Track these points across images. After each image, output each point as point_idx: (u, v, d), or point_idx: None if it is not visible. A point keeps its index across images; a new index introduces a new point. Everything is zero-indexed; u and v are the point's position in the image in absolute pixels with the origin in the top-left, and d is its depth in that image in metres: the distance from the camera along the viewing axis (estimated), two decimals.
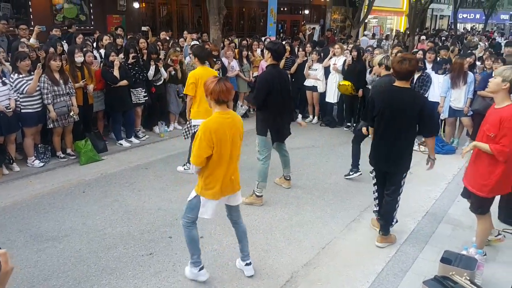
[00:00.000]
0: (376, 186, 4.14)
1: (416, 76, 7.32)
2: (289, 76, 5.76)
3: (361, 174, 5.61)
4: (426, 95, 7.20)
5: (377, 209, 4.18)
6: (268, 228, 4.35)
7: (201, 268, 3.43)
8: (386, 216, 3.98)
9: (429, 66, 7.43)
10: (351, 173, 5.69)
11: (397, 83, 3.69)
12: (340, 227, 4.40)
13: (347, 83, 7.61)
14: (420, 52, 8.01)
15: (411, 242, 4.10)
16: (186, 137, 5.44)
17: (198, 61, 5.38)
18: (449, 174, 5.93)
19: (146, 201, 4.92)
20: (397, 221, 4.11)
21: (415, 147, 6.93)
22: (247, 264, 3.54)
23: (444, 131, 7.51)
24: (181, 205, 4.74)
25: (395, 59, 3.69)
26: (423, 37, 11.83)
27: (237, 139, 3.19)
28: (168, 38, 9.48)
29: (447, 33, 21.97)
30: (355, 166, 5.67)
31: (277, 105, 4.74)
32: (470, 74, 6.75)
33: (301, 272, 3.62)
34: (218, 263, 3.73)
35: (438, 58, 7.86)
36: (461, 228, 4.37)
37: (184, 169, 5.72)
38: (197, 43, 8.39)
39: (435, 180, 5.66)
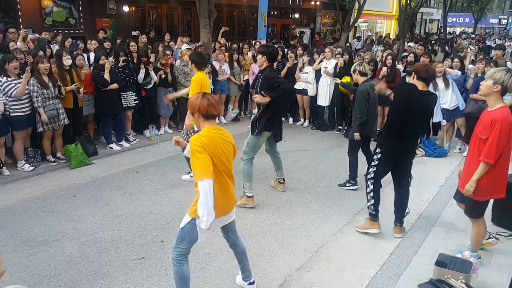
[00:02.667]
0: (374, 188, 4.20)
1: (407, 79, 7.40)
2: None
3: (358, 188, 5.43)
4: None
5: (374, 212, 4.24)
6: (260, 231, 4.34)
7: None
8: (404, 207, 4.32)
9: None
10: (348, 185, 5.50)
11: (421, 87, 3.98)
12: (333, 230, 4.40)
13: (348, 78, 7.54)
14: (411, 55, 8.09)
15: (405, 245, 4.11)
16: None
17: (196, 68, 5.17)
18: (441, 177, 5.97)
19: (137, 205, 4.87)
20: (409, 211, 4.51)
21: None
22: (250, 284, 3.34)
23: (435, 134, 7.60)
24: (173, 209, 4.76)
25: (419, 66, 4.13)
26: (411, 43, 11.87)
27: (231, 153, 2.96)
28: (168, 42, 9.50)
29: (437, 37, 22.24)
30: (353, 179, 5.49)
31: (279, 103, 4.91)
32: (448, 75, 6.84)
33: (295, 276, 3.60)
34: (211, 266, 3.70)
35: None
36: (455, 231, 4.39)
37: (190, 176, 5.26)
38: (188, 46, 8.37)
39: (427, 183, 5.70)
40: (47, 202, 4.89)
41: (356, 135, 5.21)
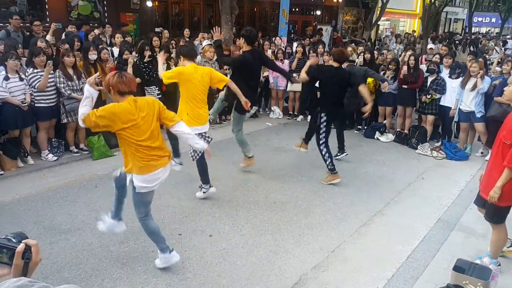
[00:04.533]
0: (327, 148, 5.49)
1: (430, 79, 7.29)
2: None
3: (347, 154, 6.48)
4: (441, 98, 7.19)
5: (333, 167, 5.48)
6: (276, 229, 4.36)
7: (171, 251, 3.53)
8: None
9: (446, 71, 7.34)
10: (338, 154, 6.41)
11: (336, 65, 5.42)
12: (350, 231, 4.38)
13: (370, 80, 7.51)
14: (437, 56, 7.95)
15: (423, 248, 4.07)
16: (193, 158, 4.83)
17: (186, 60, 4.64)
18: (462, 180, 5.87)
19: (156, 198, 4.86)
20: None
21: (427, 152, 6.95)
22: (120, 220, 3.75)
23: (457, 137, 7.46)
24: (191, 203, 4.82)
25: (335, 51, 5.64)
26: (431, 45, 11.43)
27: (150, 119, 3.32)
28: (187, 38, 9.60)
29: (461, 36, 21.73)
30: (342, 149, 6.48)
31: (251, 83, 5.50)
32: (486, 79, 6.65)
33: (310, 275, 3.62)
34: (227, 261, 3.75)
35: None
36: (474, 236, 4.33)
37: (203, 192, 5.01)
38: (209, 42, 8.41)
39: (447, 187, 5.62)
40: (69, 191, 5.02)
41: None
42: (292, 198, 5.10)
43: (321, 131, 5.44)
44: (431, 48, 10.65)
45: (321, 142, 5.45)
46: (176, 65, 7.34)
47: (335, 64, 5.42)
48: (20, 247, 1.26)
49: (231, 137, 7.26)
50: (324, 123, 5.41)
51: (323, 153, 5.45)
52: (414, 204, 5.08)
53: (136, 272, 3.55)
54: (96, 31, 8.67)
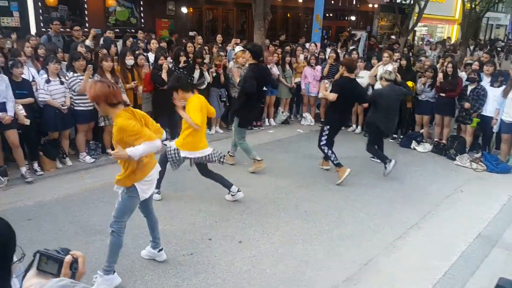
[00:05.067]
0: (329, 148, 5.76)
1: (470, 88, 7.02)
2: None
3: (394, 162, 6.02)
4: (481, 109, 6.90)
5: (338, 161, 5.66)
6: (307, 238, 4.29)
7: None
8: None
9: (487, 79, 7.06)
10: (386, 166, 6.01)
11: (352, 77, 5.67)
12: (383, 243, 4.25)
13: (410, 83, 7.32)
14: (477, 63, 7.65)
15: (461, 265, 3.90)
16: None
17: (185, 92, 4.52)
18: (504, 194, 5.61)
19: (187, 202, 5.00)
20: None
21: (467, 163, 6.68)
22: (160, 251, 3.74)
23: (498, 148, 7.13)
24: (221, 208, 4.82)
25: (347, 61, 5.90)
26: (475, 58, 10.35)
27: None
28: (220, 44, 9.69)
29: (503, 43, 20.86)
30: (386, 161, 6.06)
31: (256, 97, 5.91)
32: None
33: (341, 287, 3.53)
34: (257, 269, 3.72)
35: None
36: None
37: (232, 195, 5.00)
38: (242, 48, 8.45)
39: (488, 201, 5.38)
40: (105, 193, 5.11)
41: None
42: (323, 207, 5.02)
43: (324, 133, 5.76)
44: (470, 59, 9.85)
45: (322, 143, 5.77)
46: (208, 71, 7.43)
47: (351, 76, 5.54)
48: (68, 258, 1.36)
49: (261, 144, 7.26)
50: (326, 135, 5.76)
51: (326, 151, 5.75)
52: (452, 218, 4.89)
53: (167, 275, 3.58)
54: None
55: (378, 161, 6.30)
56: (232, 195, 4.97)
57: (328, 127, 5.76)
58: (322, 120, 9.02)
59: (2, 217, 1.41)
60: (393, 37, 17.89)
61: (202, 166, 4.89)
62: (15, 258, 1.37)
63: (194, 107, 4.44)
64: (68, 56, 6.30)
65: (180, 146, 4.60)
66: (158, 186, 4.70)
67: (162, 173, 4.51)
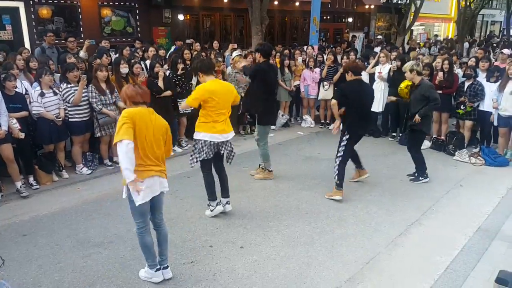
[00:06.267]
0: (343, 164, 5.25)
1: (467, 84, 7.01)
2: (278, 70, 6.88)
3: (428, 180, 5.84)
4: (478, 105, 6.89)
5: (339, 182, 5.20)
6: (309, 240, 4.25)
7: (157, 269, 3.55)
8: None
9: (482, 75, 7.07)
10: (420, 179, 5.86)
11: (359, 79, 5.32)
12: (385, 241, 4.22)
13: (408, 82, 7.27)
14: (473, 59, 7.66)
15: (462, 259, 3.87)
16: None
17: (204, 75, 4.54)
18: (502, 187, 5.59)
19: (187, 209, 4.97)
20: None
21: (465, 158, 6.65)
22: (164, 268, 3.60)
23: (495, 142, 7.11)
24: (222, 214, 4.78)
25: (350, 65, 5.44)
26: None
27: (159, 135, 3.42)
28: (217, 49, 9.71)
29: (498, 39, 20.85)
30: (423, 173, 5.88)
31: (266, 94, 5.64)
32: None
33: None
34: (258, 274, 3.68)
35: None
36: None
37: (211, 211, 4.79)
38: (240, 53, 8.45)
39: (487, 194, 5.36)
40: (103, 205, 5.10)
41: (418, 118, 5.55)
42: (325, 208, 4.98)
43: (342, 144, 5.22)
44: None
45: (338, 155, 5.26)
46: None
47: (359, 78, 5.34)
48: None
49: None
50: (344, 145, 5.22)
51: (337, 168, 5.22)
52: (453, 213, 4.87)
53: (167, 285, 3.53)
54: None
55: (379, 160, 6.27)
56: (211, 211, 4.76)
57: (347, 136, 5.23)
58: (322, 121, 9.03)
59: None
60: (379, 37, 17.95)
61: (218, 158, 4.72)
62: None
63: (196, 91, 4.50)
64: (61, 67, 6.27)
65: (196, 127, 4.67)
66: (226, 195, 4.79)
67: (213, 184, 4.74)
